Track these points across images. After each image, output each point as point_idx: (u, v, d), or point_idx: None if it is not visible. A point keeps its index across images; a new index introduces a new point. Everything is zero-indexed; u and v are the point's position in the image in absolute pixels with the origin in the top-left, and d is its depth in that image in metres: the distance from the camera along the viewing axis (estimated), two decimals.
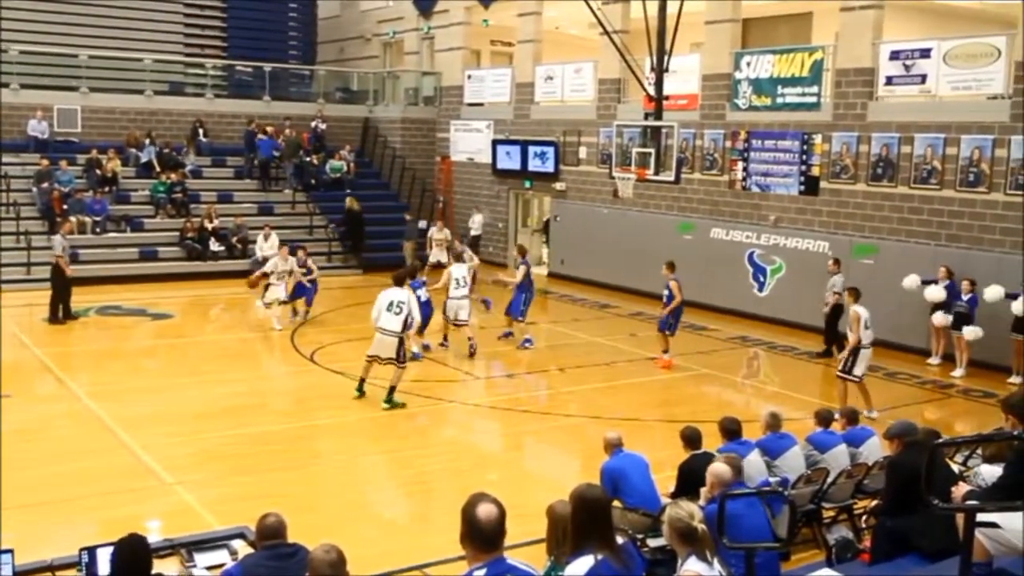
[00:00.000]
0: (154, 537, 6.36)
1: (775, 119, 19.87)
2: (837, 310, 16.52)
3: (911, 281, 16.31)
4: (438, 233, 23.73)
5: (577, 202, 24.67)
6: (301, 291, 18.66)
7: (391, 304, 12.86)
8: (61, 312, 18.20)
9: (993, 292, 15.20)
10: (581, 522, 4.69)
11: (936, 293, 15.93)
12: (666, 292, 15.83)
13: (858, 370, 12.93)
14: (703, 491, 7.11)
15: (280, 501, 8.26)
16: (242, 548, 6.46)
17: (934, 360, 16.46)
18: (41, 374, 14.64)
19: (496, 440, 12.80)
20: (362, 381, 13.35)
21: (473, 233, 26.06)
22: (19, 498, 8.78)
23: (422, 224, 25.67)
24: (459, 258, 17.66)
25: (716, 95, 21.13)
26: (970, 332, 15.44)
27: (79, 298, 19.11)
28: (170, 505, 9.57)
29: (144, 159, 25.64)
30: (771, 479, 8.17)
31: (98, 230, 23.07)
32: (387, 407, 12.92)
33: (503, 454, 12.30)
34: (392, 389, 12.98)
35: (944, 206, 17.04)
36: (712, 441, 8.75)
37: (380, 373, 13.20)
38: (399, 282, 13.29)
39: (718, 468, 6.92)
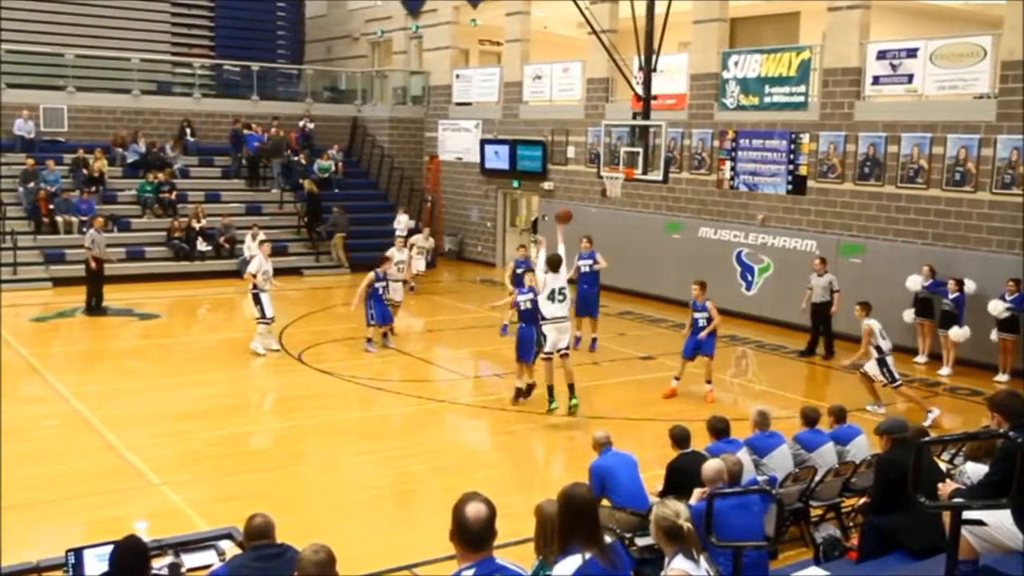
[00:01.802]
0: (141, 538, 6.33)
1: (763, 118, 19.92)
2: (822, 308, 16.56)
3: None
4: (424, 241, 22.98)
5: (565, 201, 24.63)
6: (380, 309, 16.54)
7: (553, 293, 12.30)
8: (94, 302, 18.73)
9: (994, 306, 15.19)
10: (567, 521, 4.69)
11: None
12: (704, 315, 14.01)
13: (897, 373, 13.36)
14: (697, 491, 7.11)
15: (267, 501, 8.26)
16: (230, 549, 6.45)
17: (920, 358, 16.52)
18: (28, 375, 14.56)
19: (484, 439, 12.79)
20: (550, 389, 12.59)
21: (398, 234, 24.17)
22: (5, 499, 8.72)
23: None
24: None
25: (704, 95, 21.16)
26: (957, 334, 15.48)
27: (65, 298, 19.08)
28: (157, 506, 9.54)
29: (131, 159, 25.55)
30: (759, 477, 8.18)
31: (84, 230, 22.93)
32: (575, 404, 12.50)
33: (490, 453, 12.29)
34: (572, 387, 12.53)
35: (931, 205, 17.11)
36: (701, 440, 8.77)
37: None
38: (556, 268, 12.51)
39: (715, 464, 6.95)
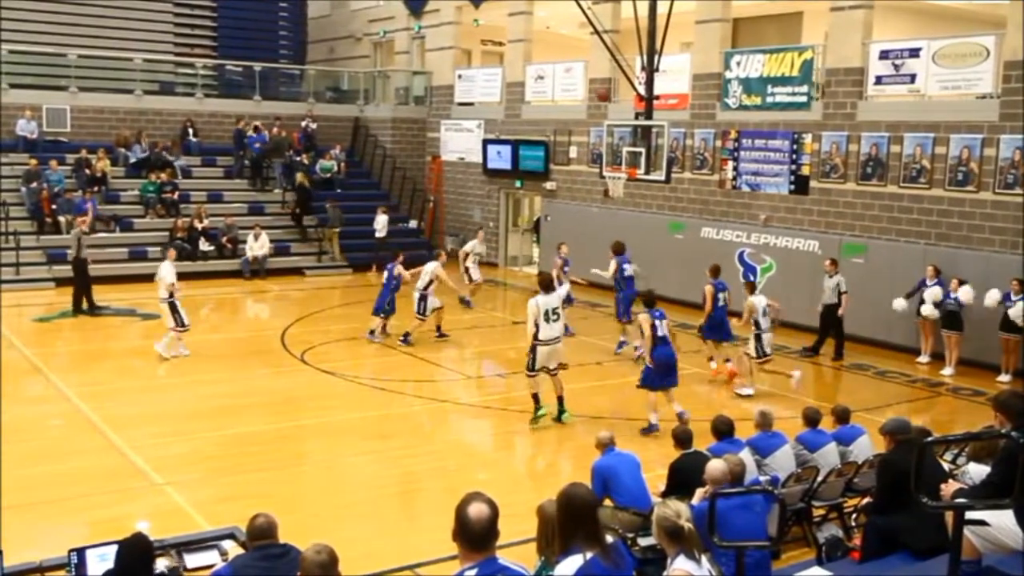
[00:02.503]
0: None
1: (765, 118, 19.90)
2: (832, 310, 16.57)
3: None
4: (480, 247, 21.34)
5: (568, 202, 24.67)
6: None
7: (547, 314, 12.02)
8: (85, 304, 18.70)
9: (991, 297, 15.19)
10: (566, 521, 4.70)
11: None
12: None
13: (768, 349, 14.44)
14: (699, 491, 7.12)
15: (269, 501, 8.26)
16: (232, 548, 6.46)
17: (923, 358, 16.50)
18: (30, 374, 14.58)
19: (487, 439, 12.79)
20: (536, 400, 12.33)
21: (378, 235, 24.96)
22: (8, 499, 8.74)
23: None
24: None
25: (706, 95, 21.15)
26: (966, 292, 15.43)
27: (68, 298, 19.09)
28: (159, 506, 9.55)
29: (133, 159, 25.57)
30: (761, 478, 8.18)
31: (87, 230, 22.94)
32: (567, 418, 12.38)
33: (493, 453, 12.29)
34: (561, 399, 12.43)
35: (933, 205, 17.09)
36: (704, 440, 8.77)
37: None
38: (548, 288, 12.32)
39: (720, 465, 6.95)
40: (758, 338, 14.25)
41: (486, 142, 26.78)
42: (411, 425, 12.71)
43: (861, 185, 18.21)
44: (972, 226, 16.50)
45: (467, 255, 20.43)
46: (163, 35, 30.24)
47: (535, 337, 12.03)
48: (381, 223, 24.89)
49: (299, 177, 25.75)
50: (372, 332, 17.14)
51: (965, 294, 15.49)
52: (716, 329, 15.32)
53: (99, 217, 23.38)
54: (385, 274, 17.51)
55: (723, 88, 20.71)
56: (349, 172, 28.39)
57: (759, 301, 14.39)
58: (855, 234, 18.19)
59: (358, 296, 22.15)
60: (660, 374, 12.29)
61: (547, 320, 12.00)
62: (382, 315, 17.13)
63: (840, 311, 16.53)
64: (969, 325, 15.66)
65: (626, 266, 16.86)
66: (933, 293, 15.80)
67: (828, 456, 8.93)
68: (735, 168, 20.55)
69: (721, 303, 15.20)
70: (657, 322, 12.26)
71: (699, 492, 7.10)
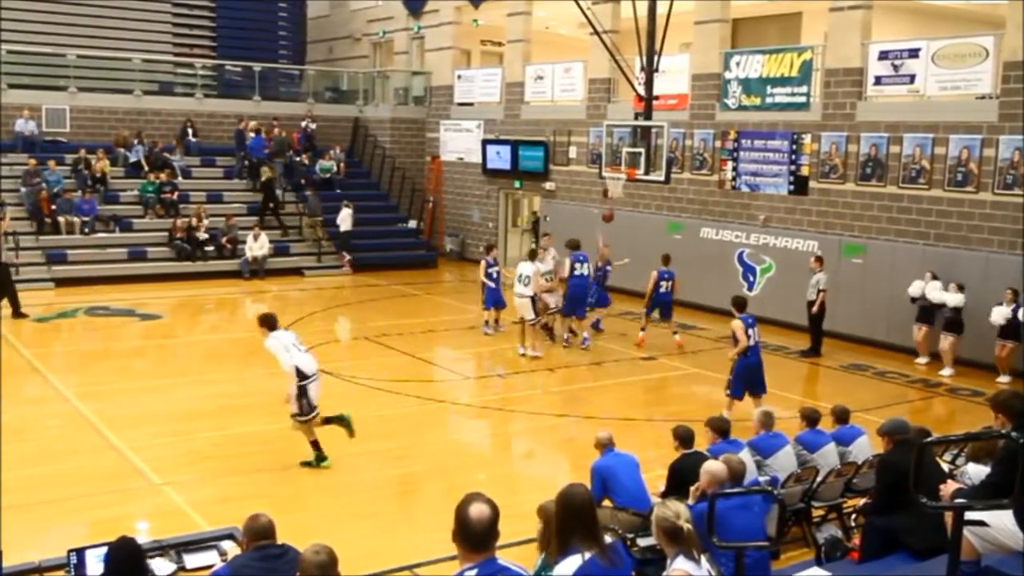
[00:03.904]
0: (143, 538, 6.35)
1: (764, 119, 19.91)
2: (821, 308, 16.60)
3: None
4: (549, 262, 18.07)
5: (567, 202, 24.67)
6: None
7: (295, 344, 10.69)
8: (12, 309, 18.18)
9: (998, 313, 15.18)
10: (563, 522, 4.71)
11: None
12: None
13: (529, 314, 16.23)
14: (692, 489, 7.11)
15: (269, 501, 8.27)
16: (232, 549, 6.46)
17: (922, 359, 16.50)
18: (29, 375, 14.57)
19: (486, 440, 12.79)
20: (317, 446, 10.90)
21: (343, 229, 25.00)
22: (8, 499, 8.73)
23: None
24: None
25: (706, 95, 21.16)
26: (955, 298, 15.45)
27: (68, 298, 19.08)
28: (159, 506, 9.55)
29: (133, 159, 25.57)
30: (760, 478, 8.18)
31: (87, 230, 22.99)
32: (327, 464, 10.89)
33: (492, 454, 12.29)
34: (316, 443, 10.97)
35: (932, 206, 17.10)
36: (702, 440, 8.76)
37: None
38: (273, 325, 10.67)
39: (712, 466, 6.94)
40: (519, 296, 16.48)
41: (485, 142, 26.78)
42: (410, 425, 12.70)
43: (860, 185, 18.21)
44: (971, 227, 16.51)
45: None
46: (162, 35, 30.23)
47: (300, 376, 10.60)
48: (343, 216, 24.88)
49: (265, 172, 25.70)
50: (487, 323, 18.01)
51: (933, 291, 15.63)
52: (655, 307, 17.12)
53: (99, 217, 23.40)
54: (483, 266, 17.95)
55: (722, 88, 20.72)
56: (349, 172, 28.38)
57: (524, 267, 16.48)
58: (854, 234, 18.20)
59: (356, 297, 22.19)
60: (746, 380, 12.47)
61: (300, 351, 10.74)
62: (496, 308, 17.80)
63: (814, 308, 16.57)
64: (969, 326, 15.65)
65: (578, 264, 17.08)
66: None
67: (827, 456, 8.93)
68: (734, 168, 20.56)
69: (663, 289, 16.90)
70: (750, 329, 12.41)
71: (692, 490, 7.08)
